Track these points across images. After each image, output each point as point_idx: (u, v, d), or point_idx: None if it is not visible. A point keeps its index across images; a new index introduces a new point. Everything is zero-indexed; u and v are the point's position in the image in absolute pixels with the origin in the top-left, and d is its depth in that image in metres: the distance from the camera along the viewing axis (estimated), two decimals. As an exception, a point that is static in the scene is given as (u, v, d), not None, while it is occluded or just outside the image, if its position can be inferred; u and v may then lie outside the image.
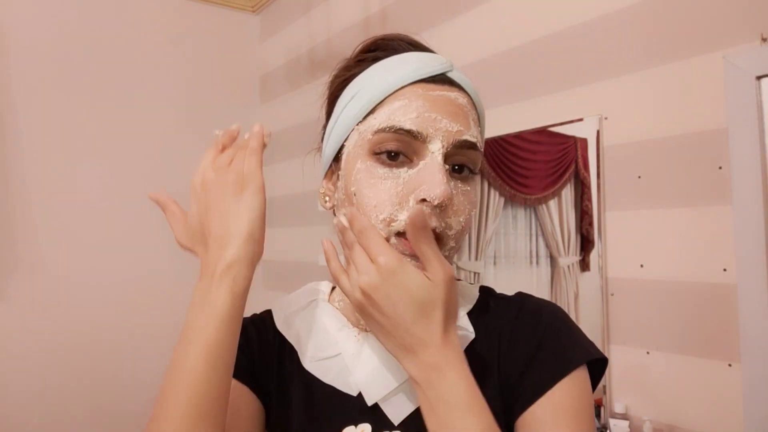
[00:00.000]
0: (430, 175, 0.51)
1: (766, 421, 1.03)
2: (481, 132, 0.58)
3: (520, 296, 0.62)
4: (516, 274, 1.48)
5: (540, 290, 1.43)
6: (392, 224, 0.52)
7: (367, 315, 0.49)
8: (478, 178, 0.57)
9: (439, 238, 0.52)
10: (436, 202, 0.49)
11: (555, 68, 1.42)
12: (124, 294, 2.28)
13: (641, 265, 1.25)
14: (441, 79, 0.55)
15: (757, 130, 1.05)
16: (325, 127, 0.63)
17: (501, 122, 1.52)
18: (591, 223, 1.33)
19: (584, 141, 1.34)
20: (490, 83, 1.57)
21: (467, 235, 0.63)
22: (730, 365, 1.09)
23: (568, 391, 0.52)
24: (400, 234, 0.52)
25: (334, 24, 2.23)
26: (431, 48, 0.61)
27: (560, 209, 1.40)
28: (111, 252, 2.27)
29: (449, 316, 0.48)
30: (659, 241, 1.22)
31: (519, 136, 1.49)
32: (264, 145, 0.57)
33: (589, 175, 1.34)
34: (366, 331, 0.60)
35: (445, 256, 0.53)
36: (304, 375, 0.59)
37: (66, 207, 2.18)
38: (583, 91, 1.36)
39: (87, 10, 2.26)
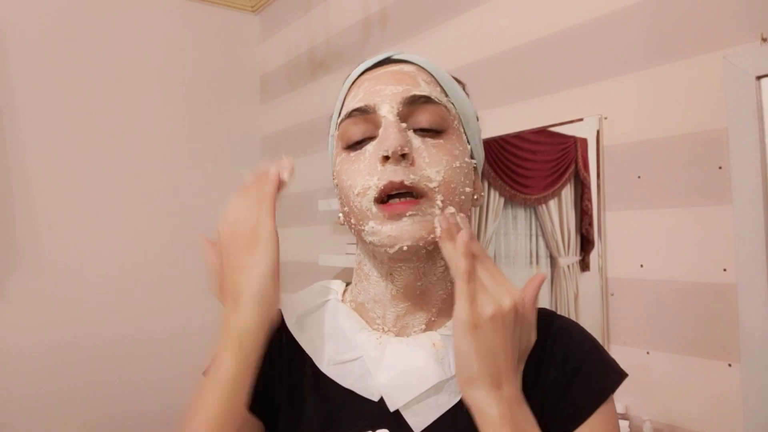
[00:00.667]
0: (383, 132, 0.53)
1: (766, 421, 1.03)
2: (446, 92, 0.58)
3: (547, 314, 0.60)
4: (516, 274, 1.48)
5: (540, 290, 1.42)
6: (367, 192, 0.53)
7: (485, 328, 0.47)
8: (454, 132, 0.57)
9: (419, 193, 0.52)
10: (390, 152, 0.51)
11: (555, 68, 1.42)
12: (124, 294, 2.28)
13: (641, 265, 1.25)
14: (385, 62, 0.60)
15: (757, 130, 1.05)
16: None
17: (501, 122, 1.52)
18: (591, 223, 1.33)
19: (584, 141, 1.34)
20: (491, 83, 1.57)
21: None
22: (730, 365, 1.09)
23: (603, 419, 0.53)
24: (378, 200, 0.52)
25: (334, 24, 2.23)
26: (424, 49, 0.64)
27: (560, 209, 1.40)
28: (111, 252, 2.27)
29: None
30: (659, 241, 1.22)
31: (519, 136, 1.49)
32: (283, 184, 0.56)
33: (589, 175, 1.34)
34: (387, 333, 0.58)
35: (450, 213, 0.54)
36: (320, 379, 0.57)
37: (66, 207, 2.18)
38: (583, 91, 1.36)
39: (86, 10, 2.26)
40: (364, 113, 0.55)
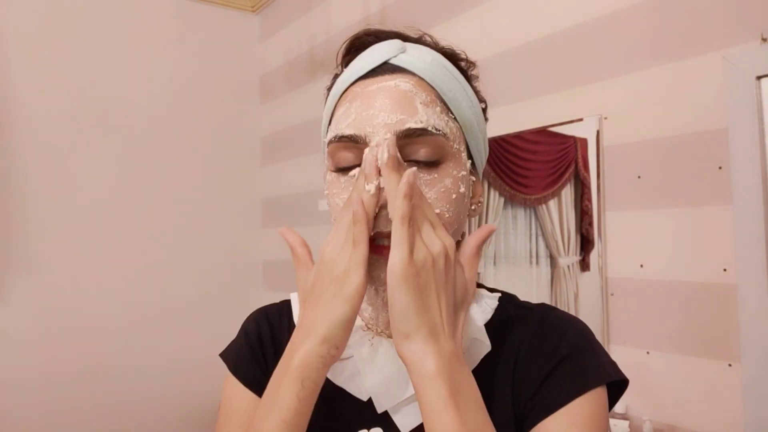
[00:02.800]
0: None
1: (766, 421, 1.03)
2: (450, 110, 0.54)
3: (543, 309, 0.60)
4: (516, 274, 1.48)
5: (540, 290, 1.43)
6: None
7: (418, 275, 0.45)
8: (453, 158, 0.53)
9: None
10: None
11: (555, 68, 1.42)
12: (124, 294, 2.28)
13: (641, 265, 1.25)
14: (381, 70, 0.54)
15: (757, 130, 1.05)
16: None
17: (501, 122, 1.52)
18: (591, 223, 1.33)
19: (584, 141, 1.34)
20: (491, 83, 1.56)
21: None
22: (730, 365, 1.09)
23: (583, 409, 0.50)
24: None
25: (334, 24, 2.23)
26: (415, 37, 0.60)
27: (560, 209, 1.39)
28: (111, 252, 2.27)
29: (466, 319, 0.49)
30: (659, 241, 1.22)
31: (519, 136, 1.49)
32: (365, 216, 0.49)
33: (589, 175, 1.34)
34: (380, 335, 0.59)
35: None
36: None
37: (66, 207, 2.18)
38: (583, 91, 1.36)
39: (86, 10, 2.26)
40: (355, 142, 0.52)
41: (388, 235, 0.49)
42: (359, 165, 0.52)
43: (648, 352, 1.22)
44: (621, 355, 1.25)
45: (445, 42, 0.62)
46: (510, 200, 1.51)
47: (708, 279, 1.14)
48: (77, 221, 2.20)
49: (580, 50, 1.36)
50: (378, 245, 0.51)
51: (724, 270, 1.11)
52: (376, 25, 0.60)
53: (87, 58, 2.25)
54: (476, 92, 0.60)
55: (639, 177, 1.25)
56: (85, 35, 2.25)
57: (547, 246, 1.42)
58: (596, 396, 0.51)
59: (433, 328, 0.45)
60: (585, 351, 0.55)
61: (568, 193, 1.38)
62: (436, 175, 0.52)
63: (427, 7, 1.79)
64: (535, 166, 1.46)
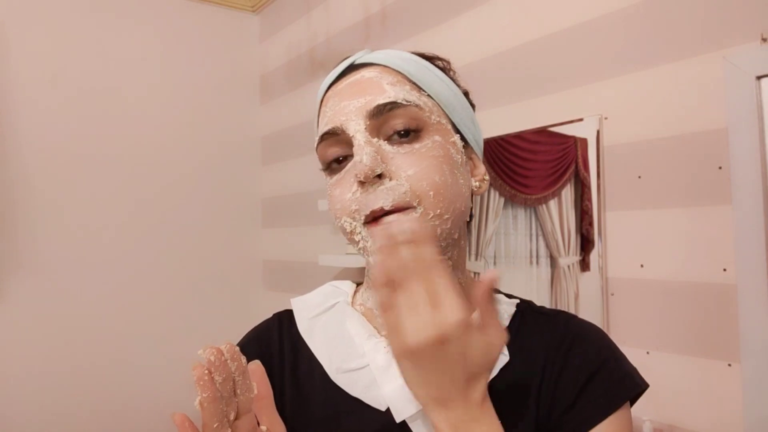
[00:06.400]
0: (355, 154, 0.52)
1: (766, 421, 1.03)
2: (422, 89, 0.55)
3: (564, 317, 0.59)
4: (516, 274, 1.48)
5: (540, 290, 1.43)
6: (354, 217, 0.52)
7: (413, 359, 0.44)
8: (434, 129, 0.54)
9: (404, 207, 0.50)
10: (362, 177, 0.50)
11: (555, 68, 1.42)
12: (124, 293, 2.28)
13: (641, 265, 1.24)
14: (348, 70, 0.58)
15: (757, 130, 1.05)
16: None
17: (501, 122, 1.52)
18: (591, 223, 1.33)
19: (584, 141, 1.34)
20: (491, 83, 1.57)
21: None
22: (730, 365, 1.09)
23: (614, 427, 0.52)
24: (366, 223, 0.52)
25: (335, 24, 2.23)
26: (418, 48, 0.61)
27: (560, 209, 1.39)
28: (111, 252, 2.27)
29: (489, 376, 0.47)
30: (659, 241, 1.22)
31: (519, 136, 1.49)
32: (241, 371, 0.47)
33: (589, 175, 1.34)
34: None
35: (437, 215, 0.50)
36: (329, 385, 0.57)
37: (66, 206, 2.18)
38: (583, 91, 1.36)
39: (86, 10, 2.26)
40: (334, 135, 0.54)
41: (380, 212, 0.50)
42: (345, 155, 0.54)
43: (648, 352, 1.22)
44: (621, 355, 1.25)
45: (445, 43, 0.63)
46: (510, 200, 1.51)
47: (708, 279, 1.14)
48: (77, 221, 2.20)
49: (580, 50, 1.36)
50: (380, 222, 0.51)
51: (724, 270, 1.11)
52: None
53: (87, 58, 2.25)
54: (454, 81, 0.60)
55: (639, 177, 1.25)
56: (84, 35, 2.25)
57: (547, 246, 1.42)
58: (624, 410, 0.54)
59: (440, 399, 0.44)
60: (612, 364, 0.56)
61: (568, 193, 1.38)
62: (418, 145, 0.52)
63: (427, 7, 1.79)
64: (535, 166, 1.45)
